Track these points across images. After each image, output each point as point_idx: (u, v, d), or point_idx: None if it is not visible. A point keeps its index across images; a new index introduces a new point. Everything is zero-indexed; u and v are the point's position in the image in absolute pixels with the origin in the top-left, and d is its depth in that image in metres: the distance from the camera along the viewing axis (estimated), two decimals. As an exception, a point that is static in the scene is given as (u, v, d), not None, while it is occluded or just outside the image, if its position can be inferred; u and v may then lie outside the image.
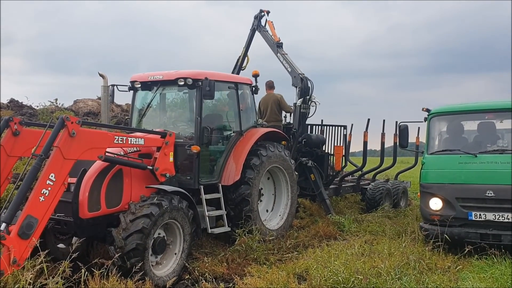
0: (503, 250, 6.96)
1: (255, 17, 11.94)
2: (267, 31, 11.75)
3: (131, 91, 8.32)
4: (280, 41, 11.41)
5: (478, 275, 6.35)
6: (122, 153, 6.61)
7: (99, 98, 12.77)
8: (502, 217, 7.24)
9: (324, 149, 11.52)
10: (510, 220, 7.18)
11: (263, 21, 11.86)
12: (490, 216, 7.32)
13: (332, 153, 11.64)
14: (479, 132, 8.37)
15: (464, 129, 8.49)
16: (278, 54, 11.32)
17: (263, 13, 11.84)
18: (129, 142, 6.47)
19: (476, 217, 7.41)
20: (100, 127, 7.93)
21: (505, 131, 8.43)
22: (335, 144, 11.79)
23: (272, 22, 11.76)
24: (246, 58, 12.07)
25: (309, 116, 11.02)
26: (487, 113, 8.11)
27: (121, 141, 6.31)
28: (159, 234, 6.23)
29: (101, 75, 9.15)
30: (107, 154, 6.12)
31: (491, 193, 7.30)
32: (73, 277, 5.13)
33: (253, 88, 8.99)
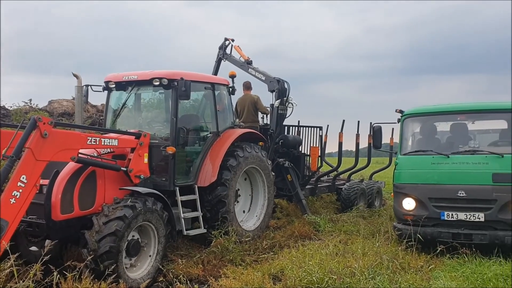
0: (474, 249, 7.09)
1: (220, 48, 12.16)
2: (234, 56, 11.95)
3: (106, 92, 8.22)
4: (250, 59, 11.59)
5: (450, 274, 6.46)
6: (95, 155, 6.53)
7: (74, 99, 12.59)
8: (473, 216, 7.37)
9: (300, 149, 11.62)
10: (481, 220, 7.32)
11: (228, 49, 12.07)
12: (462, 215, 7.44)
13: (308, 153, 11.74)
14: (451, 133, 8.51)
15: (437, 130, 8.63)
16: (250, 70, 11.50)
17: (228, 42, 12.04)
18: (103, 143, 6.40)
19: (448, 217, 7.52)
20: (73, 128, 7.81)
21: (477, 132, 8.61)
22: (311, 145, 11.91)
23: (238, 46, 11.97)
24: None
25: (286, 117, 11.10)
26: (459, 115, 8.25)
27: (94, 142, 6.23)
28: (133, 236, 6.18)
29: (75, 75, 9.03)
30: (80, 155, 6.03)
31: (462, 193, 7.43)
32: (45, 280, 5.05)
33: (230, 89, 8.99)
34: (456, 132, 8.39)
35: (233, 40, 12.07)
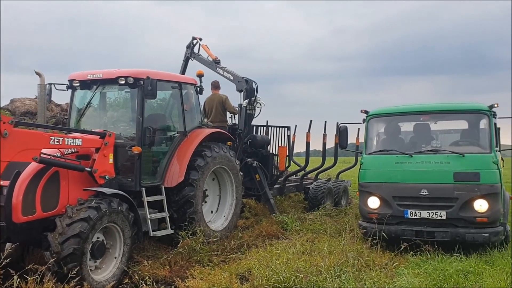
0: (436, 246, 7.29)
1: (187, 47, 12.11)
2: (202, 56, 11.91)
3: (70, 90, 8.05)
4: (218, 59, 11.58)
5: (413, 270, 6.60)
6: (58, 155, 6.38)
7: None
8: (435, 214, 7.55)
9: (268, 149, 11.67)
10: (443, 218, 7.51)
11: (196, 48, 12.03)
12: (424, 213, 7.61)
13: (276, 153, 11.81)
14: (414, 133, 8.70)
15: (401, 130, 8.81)
16: (218, 69, 11.47)
17: (195, 41, 12.01)
18: (66, 143, 6.27)
19: (411, 215, 7.69)
20: (36, 127, 7.61)
21: (439, 132, 8.85)
22: (279, 145, 11.98)
23: (206, 45, 11.92)
24: None
25: (254, 117, 11.12)
26: (422, 115, 8.45)
27: (57, 142, 6.10)
28: (98, 238, 6.07)
29: (37, 73, 8.80)
30: (42, 155, 5.89)
31: (425, 192, 7.60)
32: (4, 285, 4.90)
33: (198, 88, 8.93)
34: (419, 132, 8.59)
35: (200, 39, 12.05)
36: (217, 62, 11.52)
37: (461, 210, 7.41)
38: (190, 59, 12.11)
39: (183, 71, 12.23)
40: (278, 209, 11.06)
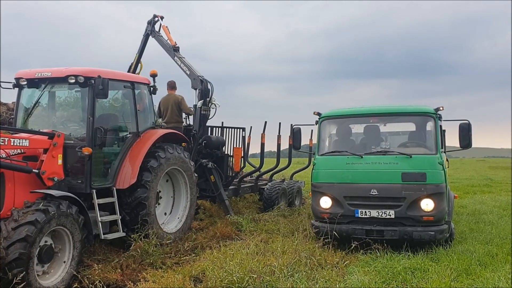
0: (385, 245, 7.51)
1: (148, 23, 11.88)
2: (162, 36, 11.71)
3: (16, 89, 7.77)
4: (177, 45, 11.44)
5: (363, 269, 6.76)
6: (4, 156, 6.15)
7: (-19, 96, 11.71)
8: (384, 213, 7.76)
9: (223, 150, 11.66)
10: (391, 217, 7.73)
11: (157, 27, 11.82)
12: (374, 213, 7.81)
13: (231, 154, 11.82)
14: (365, 134, 8.93)
15: (352, 131, 9.02)
16: (175, 58, 11.33)
17: (157, 18, 11.80)
18: (12, 144, 6.08)
19: (362, 214, 7.87)
20: (-21, 127, 7.28)
21: (388, 133, 9.12)
22: (234, 146, 12.00)
23: (167, 26, 11.75)
24: (140, 65, 11.92)
25: (209, 118, 11.09)
26: (372, 117, 8.68)
27: (2, 142, 5.90)
28: (45, 242, 5.90)
29: (-19, 71, 8.42)
30: (-15, 157, 5.66)
31: (375, 192, 7.80)
32: None
33: (151, 88, 8.81)
34: (369, 134, 8.80)
35: (162, 18, 11.80)
36: (175, 49, 11.35)
37: (409, 209, 7.64)
38: (150, 36, 11.82)
39: (142, 48, 11.96)
40: (233, 210, 11.08)
